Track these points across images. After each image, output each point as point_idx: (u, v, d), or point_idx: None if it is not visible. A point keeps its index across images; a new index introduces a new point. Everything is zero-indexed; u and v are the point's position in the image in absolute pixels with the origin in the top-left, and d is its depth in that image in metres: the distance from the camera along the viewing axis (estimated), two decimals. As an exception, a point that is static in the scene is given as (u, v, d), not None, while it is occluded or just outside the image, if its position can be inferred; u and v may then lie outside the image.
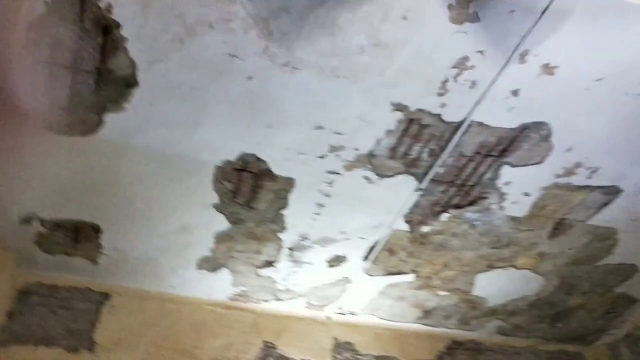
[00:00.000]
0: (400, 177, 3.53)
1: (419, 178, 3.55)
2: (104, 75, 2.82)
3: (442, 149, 3.35)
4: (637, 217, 3.98)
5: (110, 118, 3.00)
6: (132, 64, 2.78)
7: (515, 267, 4.38)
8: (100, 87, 2.87)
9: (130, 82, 2.85)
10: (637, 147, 3.44)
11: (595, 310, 4.99)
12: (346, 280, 4.40)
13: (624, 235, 4.15)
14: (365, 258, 4.20)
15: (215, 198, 3.54)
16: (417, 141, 3.31)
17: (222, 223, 3.74)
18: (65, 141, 3.10)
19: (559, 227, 4.02)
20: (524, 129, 3.25)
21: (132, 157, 3.22)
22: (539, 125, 3.24)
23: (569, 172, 3.57)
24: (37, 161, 3.19)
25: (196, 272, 4.13)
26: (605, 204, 3.85)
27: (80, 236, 3.70)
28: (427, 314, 4.85)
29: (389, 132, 3.23)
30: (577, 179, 3.62)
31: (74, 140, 3.10)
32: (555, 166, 3.51)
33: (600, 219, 3.98)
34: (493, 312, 4.90)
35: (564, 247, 4.20)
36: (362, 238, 4.02)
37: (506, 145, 3.36)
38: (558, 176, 3.59)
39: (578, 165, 3.52)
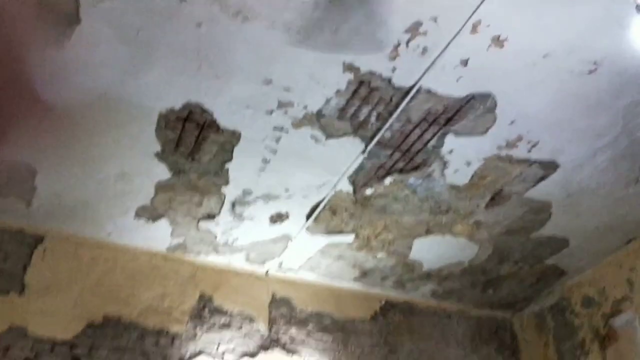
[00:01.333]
0: (347, 138, 3.54)
1: (366, 141, 3.56)
2: (44, 9, 2.66)
3: (390, 113, 3.36)
4: (572, 192, 4.13)
5: (49, 54, 2.86)
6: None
7: (452, 234, 4.50)
8: (39, 21, 2.72)
9: (72, 19, 2.71)
10: (577, 124, 3.54)
11: (525, 279, 5.21)
12: (287, 237, 4.43)
13: (558, 210, 4.30)
14: (308, 217, 4.23)
15: (157, 147, 3.46)
16: (366, 104, 3.30)
17: (163, 173, 3.67)
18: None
19: (497, 198, 4.13)
20: (471, 99, 3.29)
21: (71, 97, 3.09)
22: (485, 97, 3.28)
23: (511, 145, 3.65)
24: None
25: (134, 220, 4.07)
26: (543, 178, 3.97)
27: (13, 177, 3.56)
28: (364, 274, 4.95)
29: (339, 93, 3.21)
30: (518, 152, 3.71)
31: (9, 76, 2.95)
32: (497, 138, 3.59)
33: (537, 192, 4.11)
34: (428, 276, 5.05)
35: (499, 217, 4.33)
36: (306, 197, 4.03)
37: (452, 114, 3.39)
38: (500, 148, 3.67)
39: (519, 138, 3.60)
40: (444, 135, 3.55)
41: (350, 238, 4.49)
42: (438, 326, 5.29)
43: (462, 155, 3.72)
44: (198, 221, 4.14)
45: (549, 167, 3.87)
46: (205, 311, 4.32)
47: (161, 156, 3.54)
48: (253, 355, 4.29)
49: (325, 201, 4.07)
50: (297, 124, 3.40)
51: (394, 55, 3.01)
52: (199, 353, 4.10)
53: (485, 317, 5.61)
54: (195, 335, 4.17)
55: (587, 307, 5.07)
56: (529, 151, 3.72)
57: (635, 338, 4.55)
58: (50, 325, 3.72)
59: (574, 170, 3.92)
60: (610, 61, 3.09)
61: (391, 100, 3.28)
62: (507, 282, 5.23)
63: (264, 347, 4.37)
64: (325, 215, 4.22)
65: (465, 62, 3.06)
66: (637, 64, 3.11)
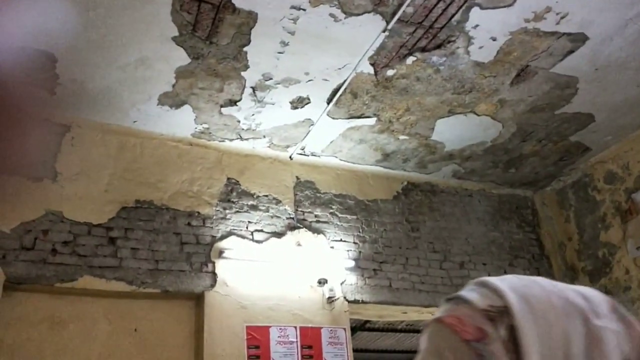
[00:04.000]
0: (368, 15, 3.42)
1: (387, 18, 3.44)
2: None
3: (414, -15, 3.22)
4: (600, 66, 4.01)
5: None
6: None
7: (475, 113, 4.46)
8: None
9: None
10: (610, -8, 3.38)
11: (548, 157, 5.21)
12: (309, 121, 4.44)
13: (585, 85, 4.21)
14: (329, 100, 4.20)
15: (174, 30, 3.40)
16: (386, -24, 3.16)
17: (182, 58, 3.63)
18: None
19: (522, 74, 4.04)
20: (498, -33, 3.13)
21: (83, -19, 3.02)
22: (513, -36, 3.12)
23: (539, 17, 3.51)
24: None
25: (158, 107, 4.09)
26: (570, 52, 3.85)
27: (34, 65, 3.56)
28: (386, 156, 5.00)
29: (358, -35, 3.07)
30: (546, 25, 3.57)
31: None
32: (525, 10, 3.44)
33: (564, 67, 4.00)
34: (450, 157, 5.07)
35: (524, 94, 4.26)
36: (326, 80, 3.98)
37: (478, -15, 3.24)
38: (527, 20, 3.53)
39: (548, 9, 3.45)
40: (469, 8, 3.41)
41: (372, 121, 4.49)
42: (459, 205, 5.40)
43: (487, 30, 3.59)
44: (220, 107, 4.16)
45: (578, 39, 3.74)
46: (233, 194, 4.45)
47: (179, 40, 3.48)
48: (281, 234, 4.47)
49: (346, 84, 4.02)
50: (315, 1, 3.29)
51: None
52: (230, 233, 4.28)
53: (507, 195, 5.70)
54: (225, 216, 4.33)
55: (609, 183, 5.10)
56: (558, 23, 3.57)
57: (656, 211, 4.61)
58: (85, 209, 3.88)
59: (603, 42, 3.79)
60: None
61: (413, -29, 3.13)
62: (530, 161, 5.24)
63: (291, 227, 4.54)
64: (347, 99, 4.20)
65: None
66: None
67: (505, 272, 5.17)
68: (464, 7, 3.39)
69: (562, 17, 3.53)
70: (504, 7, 3.41)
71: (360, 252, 4.70)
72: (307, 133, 4.58)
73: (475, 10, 3.43)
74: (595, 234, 5.15)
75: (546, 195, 5.76)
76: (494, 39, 3.68)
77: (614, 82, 4.20)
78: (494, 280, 0.83)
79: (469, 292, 0.83)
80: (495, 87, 4.16)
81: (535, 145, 4.98)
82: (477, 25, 3.55)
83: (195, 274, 4.02)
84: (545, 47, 3.77)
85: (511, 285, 0.81)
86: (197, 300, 4.06)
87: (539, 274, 5.33)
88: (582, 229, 5.30)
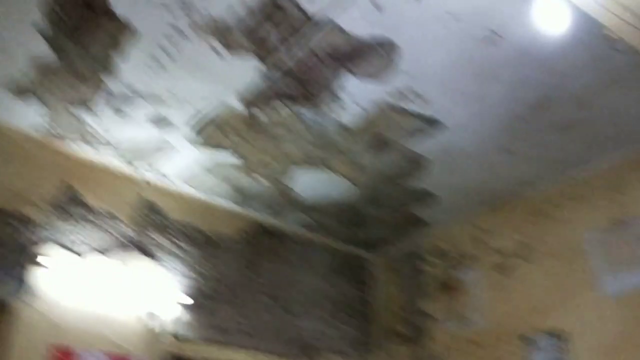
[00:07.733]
0: (247, 55, 3.43)
1: (265, 62, 3.47)
2: None
3: (296, 40, 3.29)
4: (451, 151, 4.34)
5: None
6: None
7: (332, 171, 4.60)
8: None
9: None
10: (469, 89, 3.69)
11: (389, 224, 5.50)
12: (166, 144, 4.28)
13: (434, 165, 4.52)
14: (191, 128, 4.10)
15: (39, 18, 3.14)
16: (272, 24, 3.20)
17: (43, 49, 3.36)
18: None
19: (380, 144, 4.26)
20: (377, 43, 3.30)
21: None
22: (390, 44, 3.30)
23: (404, 96, 3.75)
24: None
25: (3, 94, 3.72)
26: (427, 134, 4.13)
27: None
28: (240, 195, 4.96)
29: (246, 5, 3.07)
30: (408, 104, 3.82)
31: None
32: (391, 86, 3.66)
33: (419, 146, 4.28)
34: (302, 207, 5.16)
35: (379, 162, 4.49)
36: (192, 107, 3.90)
37: (356, 55, 3.39)
38: (393, 97, 3.75)
39: (411, 91, 3.70)
40: (343, 73, 3.56)
41: (231, 157, 4.44)
42: (302, 254, 5.47)
43: (355, 96, 3.76)
44: (73, 107, 3.87)
45: (435, 124, 4.03)
46: (66, 201, 4.11)
47: (43, 31, 3.21)
48: (110, 253, 4.18)
49: (211, 115, 3.97)
50: (197, 28, 3.22)
51: (309, -21, 2.91)
52: (53, 241, 3.93)
53: (348, 254, 5.87)
54: (51, 223, 3.98)
55: (438, 258, 5.48)
56: (418, 105, 3.84)
57: (474, 290, 5.04)
58: None
59: (456, 130, 4.10)
60: (512, 34, 3.22)
61: (299, 27, 3.20)
62: (373, 224, 5.49)
63: (124, 247, 4.28)
64: (210, 130, 4.13)
65: (379, 7, 3.04)
66: (537, 42, 3.27)
67: (328, 325, 5.31)
68: (338, 71, 3.54)
69: (424, 101, 3.79)
70: (374, 80, 3.60)
71: (194, 287, 4.55)
72: (162, 155, 4.41)
73: (347, 77, 3.58)
74: (418, 303, 5.48)
75: (382, 259, 6.04)
76: (360, 106, 3.86)
77: (459, 168, 4.55)
78: None
79: None
80: (354, 150, 4.33)
81: (380, 211, 5.23)
82: (346, 90, 3.71)
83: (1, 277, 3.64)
84: (404, 124, 4.02)
85: None
86: (1, 307, 3.66)
87: (360, 330, 5.53)
88: (409, 296, 5.62)
